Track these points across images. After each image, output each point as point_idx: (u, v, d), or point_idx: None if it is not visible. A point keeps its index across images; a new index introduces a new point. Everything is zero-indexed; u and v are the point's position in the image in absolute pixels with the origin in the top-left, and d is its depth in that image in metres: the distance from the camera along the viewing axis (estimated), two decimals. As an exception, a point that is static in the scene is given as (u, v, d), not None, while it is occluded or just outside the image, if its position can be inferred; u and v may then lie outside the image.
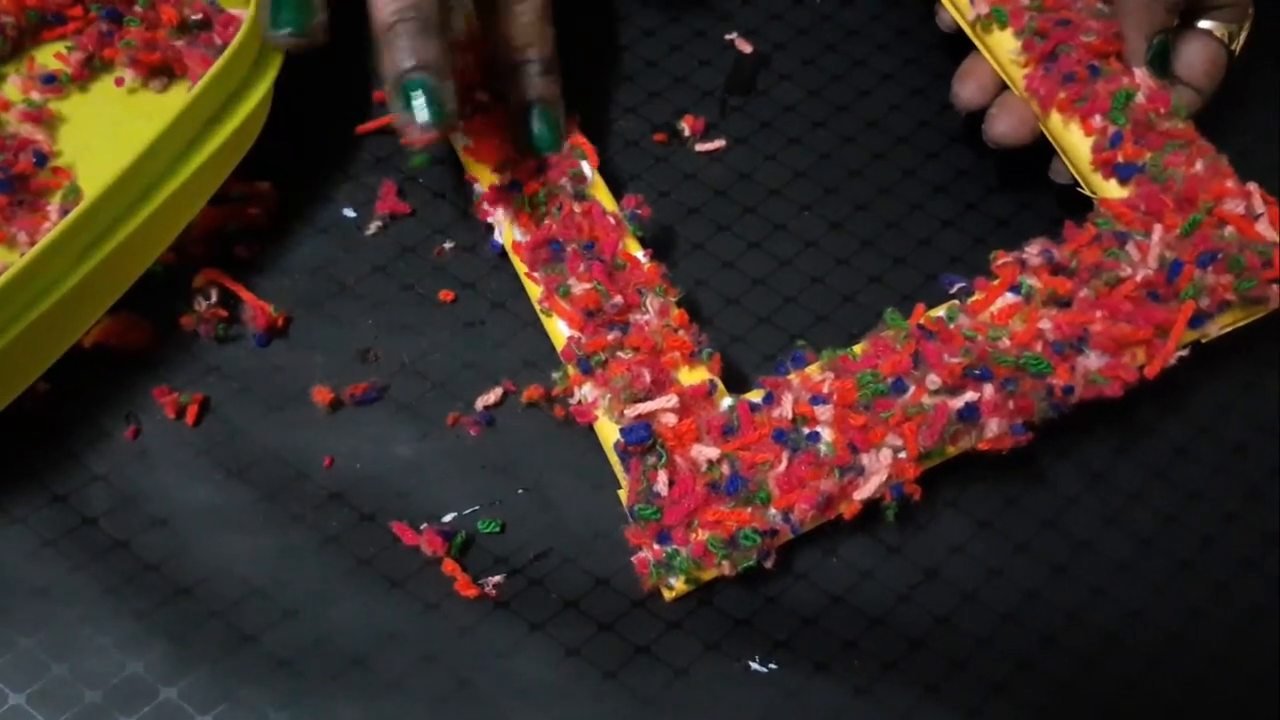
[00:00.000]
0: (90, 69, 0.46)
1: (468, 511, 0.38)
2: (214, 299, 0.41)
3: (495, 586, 0.37)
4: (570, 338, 0.38)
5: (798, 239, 0.44)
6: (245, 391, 0.40)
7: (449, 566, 0.37)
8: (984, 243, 0.44)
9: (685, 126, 0.47)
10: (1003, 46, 0.44)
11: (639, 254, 0.40)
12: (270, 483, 0.38)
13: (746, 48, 0.49)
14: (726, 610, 0.37)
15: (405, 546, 0.37)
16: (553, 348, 0.41)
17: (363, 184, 0.45)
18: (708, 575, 0.36)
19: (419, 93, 0.35)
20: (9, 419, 0.37)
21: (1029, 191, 0.46)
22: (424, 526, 0.37)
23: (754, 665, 0.36)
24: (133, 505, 0.38)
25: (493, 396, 0.40)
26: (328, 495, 0.38)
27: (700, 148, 0.46)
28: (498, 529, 0.38)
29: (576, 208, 0.40)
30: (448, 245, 0.43)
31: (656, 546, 0.35)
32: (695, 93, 0.48)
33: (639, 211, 0.41)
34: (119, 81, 0.46)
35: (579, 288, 0.38)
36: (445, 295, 0.42)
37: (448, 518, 0.38)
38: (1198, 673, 0.37)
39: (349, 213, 0.44)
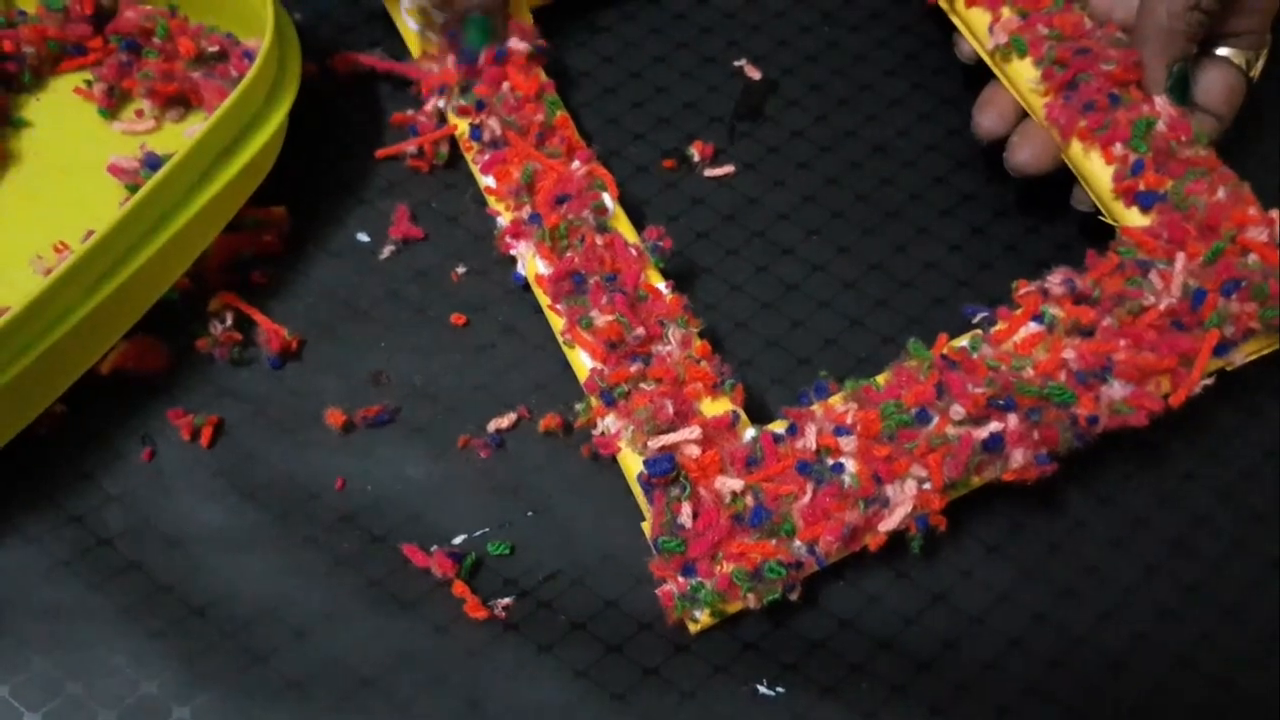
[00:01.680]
0: (113, 99, 0.47)
1: (478, 533, 0.39)
2: (229, 322, 0.42)
3: (505, 608, 0.37)
4: (593, 369, 0.38)
5: (806, 263, 0.45)
6: (259, 414, 0.41)
7: (459, 588, 0.37)
8: (990, 267, 0.45)
9: (695, 152, 0.47)
10: (1022, 75, 0.44)
11: (661, 285, 0.40)
12: (283, 504, 0.39)
13: (755, 74, 0.50)
14: (735, 633, 0.37)
15: (416, 568, 0.38)
16: (563, 370, 0.41)
17: (376, 209, 0.45)
18: (733, 608, 0.36)
19: (475, 29, 0.44)
20: (27, 441, 0.38)
21: (1036, 216, 0.46)
22: (434, 549, 0.38)
23: (762, 689, 0.36)
24: (147, 526, 0.38)
25: (506, 421, 0.41)
26: (339, 517, 0.39)
27: (709, 173, 0.47)
28: (507, 551, 0.38)
29: (598, 240, 0.40)
30: (460, 270, 0.44)
31: (681, 579, 0.35)
32: (704, 119, 0.48)
33: (660, 243, 0.41)
34: (139, 113, 0.47)
35: (601, 320, 0.39)
36: (457, 319, 0.43)
37: (458, 539, 0.39)
38: (1205, 697, 0.37)
39: (363, 237, 0.45)
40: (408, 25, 0.47)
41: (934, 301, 0.44)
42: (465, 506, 0.39)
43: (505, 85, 0.44)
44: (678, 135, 0.48)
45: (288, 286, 0.43)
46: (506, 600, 0.37)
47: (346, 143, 0.47)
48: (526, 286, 0.42)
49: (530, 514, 0.39)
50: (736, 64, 0.50)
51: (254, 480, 0.39)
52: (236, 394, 0.41)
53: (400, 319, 0.43)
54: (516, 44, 0.44)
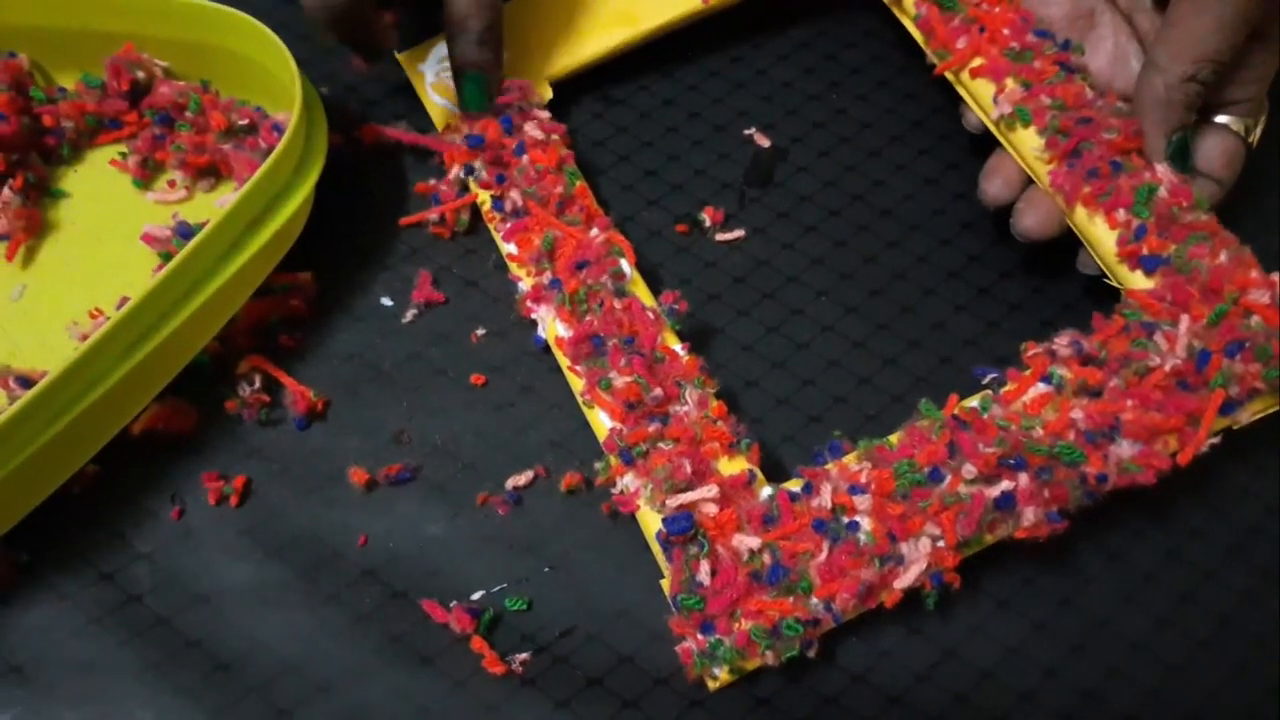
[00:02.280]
0: (147, 170, 0.48)
1: (496, 589, 0.39)
2: (257, 385, 0.43)
3: (522, 664, 0.38)
4: (612, 429, 0.39)
5: (815, 323, 0.46)
6: (285, 473, 0.42)
7: (477, 644, 0.38)
8: (996, 326, 0.46)
9: (706, 217, 0.48)
10: (1027, 144, 0.45)
11: (677, 347, 0.41)
12: (307, 561, 0.40)
13: (764, 142, 0.51)
14: (750, 690, 0.38)
15: (435, 624, 0.38)
16: (579, 429, 0.42)
17: (399, 274, 0.47)
18: (751, 665, 0.36)
19: (472, 86, 0.46)
20: (60, 501, 0.39)
21: (1040, 277, 0.47)
22: (453, 604, 0.39)
23: (775, 742, 0.37)
24: (176, 583, 0.39)
25: (524, 479, 0.42)
26: (361, 573, 0.40)
27: (720, 237, 0.48)
28: (524, 606, 0.39)
29: (617, 304, 0.41)
30: (480, 332, 0.45)
31: (700, 636, 0.36)
32: (715, 185, 0.50)
33: (676, 306, 0.42)
34: (171, 184, 0.48)
35: (620, 381, 0.39)
36: (476, 379, 0.44)
37: (476, 595, 0.39)
38: (1216, 752, 0.37)
39: (386, 301, 0.46)
40: (431, 100, 0.49)
41: (940, 361, 0.45)
42: (484, 563, 0.40)
43: (525, 158, 0.46)
44: (690, 201, 0.49)
45: (314, 349, 0.45)
46: (524, 655, 0.38)
47: (371, 211, 0.48)
48: (546, 349, 0.43)
49: (547, 570, 0.40)
50: (746, 132, 0.51)
51: (279, 538, 0.40)
52: (263, 454, 0.42)
53: (422, 380, 0.44)
54: (533, 130, 0.46)
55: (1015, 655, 0.39)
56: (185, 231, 0.45)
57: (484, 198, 0.46)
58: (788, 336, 0.46)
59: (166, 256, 0.45)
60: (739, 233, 0.48)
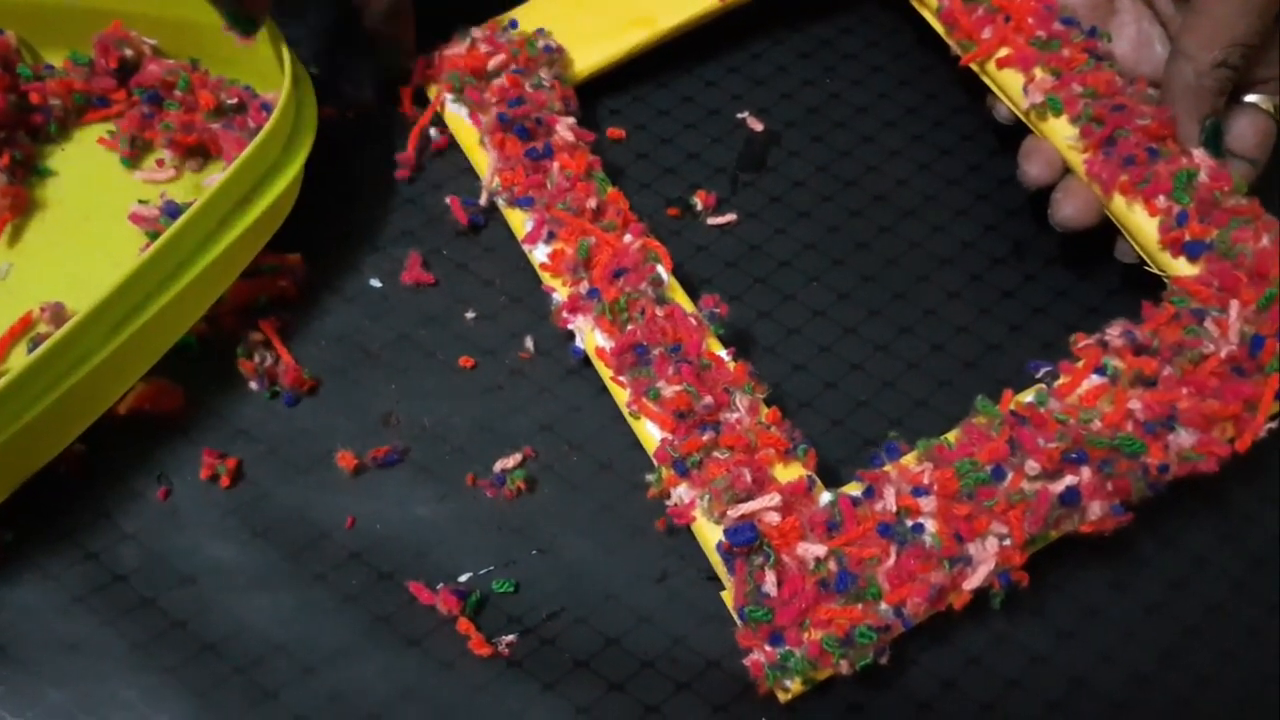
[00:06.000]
0: (135, 149, 0.48)
1: (483, 571, 0.39)
2: (269, 361, 0.43)
3: (508, 645, 0.38)
4: (663, 440, 0.38)
5: (806, 309, 0.46)
6: (272, 454, 0.42)
7: (463, 625, 0.38)
8: (989, 313, 0.46)
9: (698, 201, 0.48)
10: (1059, 134, 0.45)
11: (722, 353, 0.40)
12: (294, 542, 0.40)
13: (757, 126, 0.51)
14: (735, 674, 0.37)
15: (422, 605, 0.38)
16: (567, 412, 0.42)
17: (389, 255, 0.47)
18: (823, 675, 0.35)
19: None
20: (46, 480, 0.39)
21: (1034, 264, 0.47)
22: (440, 586, 0.38)
23: (763, 728, 0.37)
24: (162, 563, 0.39)
25: (511, 461, 0.41)
26: (348, 555, 0.40)
27: (712, 221, 0.48)
28: (511, 589, 0.39)
29: (659, 311, 0.41)
30: (469, 314, 0.45)
31: (769, 648, 0.35)
32: (708, 169, 0.50)
33: (717, 310, 0.41)
34: (160, 163, 0.48)
35: (669, 390, 0.39)
36: (465, 362, 0.44)
37: (463, 577, 0.39)
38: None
39: (375, 283, 0.46)
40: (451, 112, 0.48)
41: (932, 347, 0.45)
42: (471, 545, 0.40)
43: (555, 166, 0.45)
44: (682, 185, 0.49)
45: (302, 331, 0.44)
46: (510, 637, 0.38)
47: (361, 192, 0.48)
48: (586, 361, 0.42)
49: (535, 552, 0.40)
50: (739, 116, 0.51)
51: (266, 519, 0.40)
52: (250, 434, 0.42)
53: (411, 362, 0.44)
54: (564, 132, 0.45)
55: (1004, 642, 0.38)
56: (173, 211, 0.45)
57: (516, 221, 0.45)
58: (779, 321, 0.45)
59: (154, 236, 0.45)
60: (731, 217, 0.48)
